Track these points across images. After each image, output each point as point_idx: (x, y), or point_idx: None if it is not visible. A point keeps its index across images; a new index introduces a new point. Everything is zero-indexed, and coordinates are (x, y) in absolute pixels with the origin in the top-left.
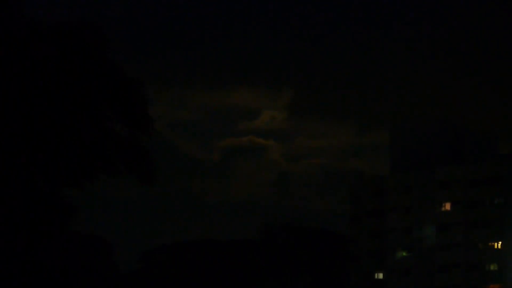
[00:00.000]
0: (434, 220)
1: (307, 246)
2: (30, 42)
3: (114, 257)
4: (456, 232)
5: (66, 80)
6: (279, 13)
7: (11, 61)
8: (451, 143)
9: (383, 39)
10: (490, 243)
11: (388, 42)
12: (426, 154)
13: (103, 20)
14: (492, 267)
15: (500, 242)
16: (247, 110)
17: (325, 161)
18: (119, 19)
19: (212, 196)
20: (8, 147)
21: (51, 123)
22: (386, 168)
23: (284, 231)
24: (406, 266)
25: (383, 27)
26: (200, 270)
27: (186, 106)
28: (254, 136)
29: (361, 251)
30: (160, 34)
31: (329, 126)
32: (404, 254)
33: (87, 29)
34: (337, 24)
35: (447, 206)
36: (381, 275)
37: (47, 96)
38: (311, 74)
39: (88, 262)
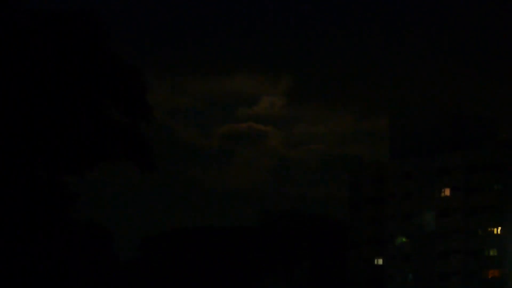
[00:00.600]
0: (434, 206)
1: (307, 233)
2: (29, 31)
3: (114, 244)
4: (456, 218)
5: (65, 69)
6: (278, 0)
7: (11, 50)
8: (451, 129)
9: (383, 27)
10: (489, 229)
11: (388, 29)
12: (426, 140)
13: (102, 9)
14: (491, 253)
15: (499, 228)
16: (246, 97)
17: (325, 148)
18: (119, 7)
19: (212, 182)
20: (7, 136)
21: (51, 112)
22: (385, 154)
23: (283, 218)
24: (405, 252)
25: (383, 15)
26: (200, 257)
27: (185, 93)
28: (253, 123)
29: (361, 238)
30: (159, 22)
31: (329, 112)
32: (404, 240)
33: (86, 18)
34: (336, 11)
35: (447, 192)
36: (380, 261)
37: (46, 85)
38: (310, 60)
39: (88, 249)
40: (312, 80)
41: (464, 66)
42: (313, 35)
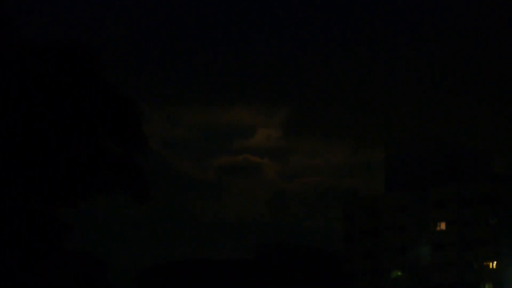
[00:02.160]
0: (429, 240)
1: (302, 266)
2: (24, 61)
3: (108, 276)
4: (451, 251)
5: (60, 99)
6: (274, 33)
7: (5, 80)
8: (446, 162)
9: (378, 60)
10: (485, 263)
11: (384, 62)
12: (421, 173)
13: (98, 39)
14: (487, 287)
15: (495, 262)
16: (242, 128)
17: (320, 180)
18: (114, 38)
19: (207, 214)
20: (3, 166)
21: (46, 142)
22: (380, 186)
23: (278, 250)
24: (401, 286)
25: (378, 47)
26: None
27: (181, 124)
28: (249, 155)
29: (356, 271)
30: (155, 52)
31: (324, 144)
32: (399, 273)
33: (81, 49)
34: (332, 43)
35: (442, 226)
36: None
37: (41, 115)
38: (307, 93)
39: (82, 281)
40: (308, 112)
41: (459, 99)
42: (309, 68)
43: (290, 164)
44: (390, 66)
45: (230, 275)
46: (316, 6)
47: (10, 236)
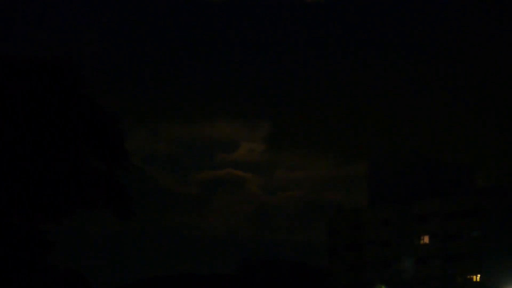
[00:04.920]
0: (413, 253)
1: (285, 280)
2: (5, 77)
3: None
4: (435, 265)
5: (41, 115)
6: (256, 47)
7: None
8: (428, 176)
9: (361, 74)
10: (468, 276)
11: (365, 76)
12: (404, 187)
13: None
14: None
15: (478, 275)
16: (225, 143)
17: (304, 193)
18: (96, 53)
19: (190, 229)
20: None
21: (28, 158)
22: (364, 200)
23: (262, 265)
24: None
25: (359, 60)
26: None
27: (163, 139)
28: (232, 169)
29: (340, 285)
30: (137, 68)
31: (307, 158)
32: (383, 287)
33: (62, 65)
34: (314, 57)
35: (425, 239)
36: None
37: (23, 132)
38: (289, 107)
39: None
40: (291, 126)
41: (441, 113)
42: (291, 81)
43: (273, 178)
44: (373, 80)
45: None
46: (299, 23)
47: None
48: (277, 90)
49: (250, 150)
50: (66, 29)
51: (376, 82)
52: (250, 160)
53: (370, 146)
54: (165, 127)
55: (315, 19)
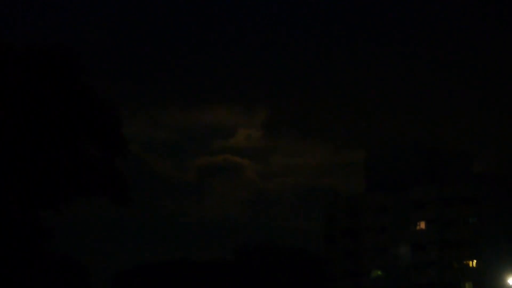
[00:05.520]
0: (409, 240)
1: (283, 267)
2: (4, 65)
3: (89, 279)
4: (432, 251)
5: (40, 103)
6: (254, 32)
7: None
8: (426, 163)
9: (359, 61)
10: (465, 262)
11: (364, 63)
12: (401, 174)
13: (77, 43)
14: (467, 286)
15: (475, 261)
16: (222, 129)
17: (301, 180)
18: (94, 41)
19: (187, 215)
20: None
21: (26, 146)
22: (361, 187)
23: (259, 251)
24: (381, 285)
25: (358, 46)
26: None
27: (160, 125)
28: (230, 155)
29: (337, 271)
30: (134, 55)
31: (305, 144)
32: (380, 273)
33: (60, 52)
34: (313, 42)
35: (422, 226)
36: None
37: (21, 119)
38: (287, 93)
39: (62, 284)
40: (289, 112)
41: (440, 100)
42: (289, 67)
43: (271, 164)
44: (371, 67)
45: (210, 276)
46: (295, 7)
47: None
48: (275, 76)
49: (247, 136)
50: (64, 17)
51: (375, 69)
52: (247, 146)
53: (367, 132)
54: (162, 114)
55: (313, 5)
